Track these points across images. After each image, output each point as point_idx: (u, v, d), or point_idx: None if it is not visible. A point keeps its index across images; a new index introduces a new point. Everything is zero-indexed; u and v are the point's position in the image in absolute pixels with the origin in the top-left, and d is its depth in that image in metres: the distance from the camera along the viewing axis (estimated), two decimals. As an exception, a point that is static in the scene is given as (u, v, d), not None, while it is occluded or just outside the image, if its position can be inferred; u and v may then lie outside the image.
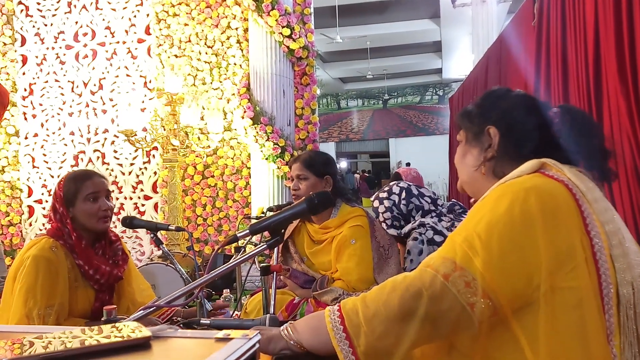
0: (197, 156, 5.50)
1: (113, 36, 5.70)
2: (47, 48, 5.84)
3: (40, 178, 5.84)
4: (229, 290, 2.53)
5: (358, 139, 20.89)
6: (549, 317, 0.91)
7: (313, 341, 1.03)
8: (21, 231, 5.88)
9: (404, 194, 2.55)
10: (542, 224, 0.93)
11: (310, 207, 1.25)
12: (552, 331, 0.90)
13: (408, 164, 17.87)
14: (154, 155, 5.59)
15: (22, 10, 5.89)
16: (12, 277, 1.79)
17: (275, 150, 4.96)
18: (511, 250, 0.93)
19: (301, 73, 5.56)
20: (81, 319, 1.84)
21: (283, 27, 5.00)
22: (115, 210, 5.34)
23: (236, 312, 2.36)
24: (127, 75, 5.67)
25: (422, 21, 13.38)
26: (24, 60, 5.90)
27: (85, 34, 5.77)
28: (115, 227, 4.85)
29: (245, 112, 5.07)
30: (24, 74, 5.88)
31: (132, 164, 5.66)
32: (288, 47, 5.12)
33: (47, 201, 5.79)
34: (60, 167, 5.78)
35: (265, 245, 1.19)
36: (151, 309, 1.09)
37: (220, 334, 0.73)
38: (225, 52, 5.49)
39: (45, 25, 5.85)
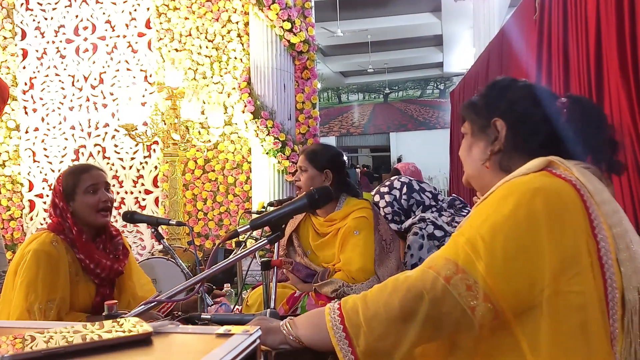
0: (197, 150, 5.51)
1: (113, 30, 5.69)
2: (48, 42, 5.83)
3: (41, 172, 5.85)
4: (229, 284, 2.53)
5: (359, 133, 20.84)
6: (552, 321, 0.89)
7: (312, 338, 1.02)
8: (22, 225, 5.89)
9: (405, 189, 2.56)
10: (547, 227, 0.91)
11: (310, 202, 1.25)
12: (554, 335, 0.89)
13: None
14: (154, 150, 5.59)
15: (22, 4, 5.88)
16: (13, 271, 1.80)
17: (276, 144, 4.96)
18: (515, 256, 0.91)
19: (302, 67, 5.55)
20: (82, 313, 1.85)
21: (284, 20, 4.99)
22: (116, 204, 5.40)
23: (237, 307, 2.37)
24: (128, 70, 5.67)
25: (423, 15, 13.30)
26: (25, 54, 5.89)
27: (85, 28, 5.75)
28: (116, 221, 4.86)
29: (245, 106, 5.06)
30: (24, 68, 5.88)
31: (132, 158, 5.66)
32: (289, 41, 5.11)
33: (47, 195, 5.80)
34: (61, 162, 5.79)
35: (266, 241, 1.19)
36: (152, 304, 1.10)
37: (221, 329, 0.73)
38: (226, 46, 5.48)
39: (46, 19, 5.83)
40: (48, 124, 5.82)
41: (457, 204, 2.63)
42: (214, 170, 5.52)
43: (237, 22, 5.45)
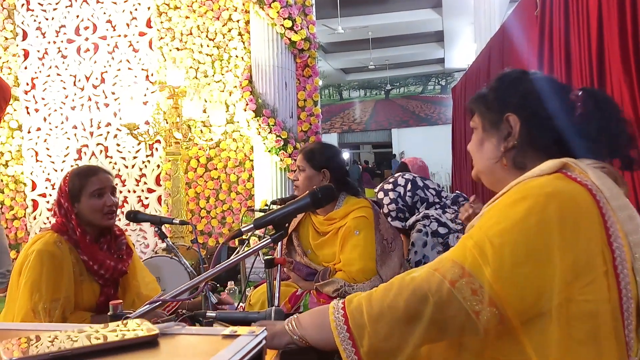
0: (199, 149, 5.51)
1: (114, 29, 5.69)
2: (49, 42, 5.83)
3: (43, 172, 5.86)
4: (233, 282, 2.54)
5: (360, 130, 20.84)
6: (562, 329, 0.87)
7: (317, 338, 1.01)
8: (25, 225, 5.90)
9: (409, 186, 2.56)
10: (559, 233, 0.87)
11: (313, 202, 1.25)
12: (564, 342, 0.87)
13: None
14: (156, 149, 5.59)
15: (23, 5, 5.88)
16: (17, 271, 1.81)
17: (278, 142, 4.95)
18: (523, 263, 0.88)
19: (303, 65, 5.54)
20: (87, 313, 1.86)
21: (284, 19, 4.98)
22: (119, 203, 5.38)
23: (241, 304, 2.38)
24: (129, 69, 5.66)
25: (424, 11, 13.28)
26: (26, 54, 5.90)
27: (86, 28, 5.75)
28: (119, 220, 4.87)
29: (247, 104, 5.06)
30: (25, 68, 5.88)
31: (135, 157, 5.66)
32: (290, 39, 5.10)
33: (51, 195, 5.81)
34: (64, 161, 5.80)
35: (270, 240, 1.19)
36: (157, 304, 1.10)
37: (227, 331, 0.74)
38: (227, 45, 5.47)
39: (47, 19, 5.83)
40: (50, 123, 5.83)
41: (461, 201, 2.63)
42: (216, 169, 5.52)
43: (238, 21, 5.44)
